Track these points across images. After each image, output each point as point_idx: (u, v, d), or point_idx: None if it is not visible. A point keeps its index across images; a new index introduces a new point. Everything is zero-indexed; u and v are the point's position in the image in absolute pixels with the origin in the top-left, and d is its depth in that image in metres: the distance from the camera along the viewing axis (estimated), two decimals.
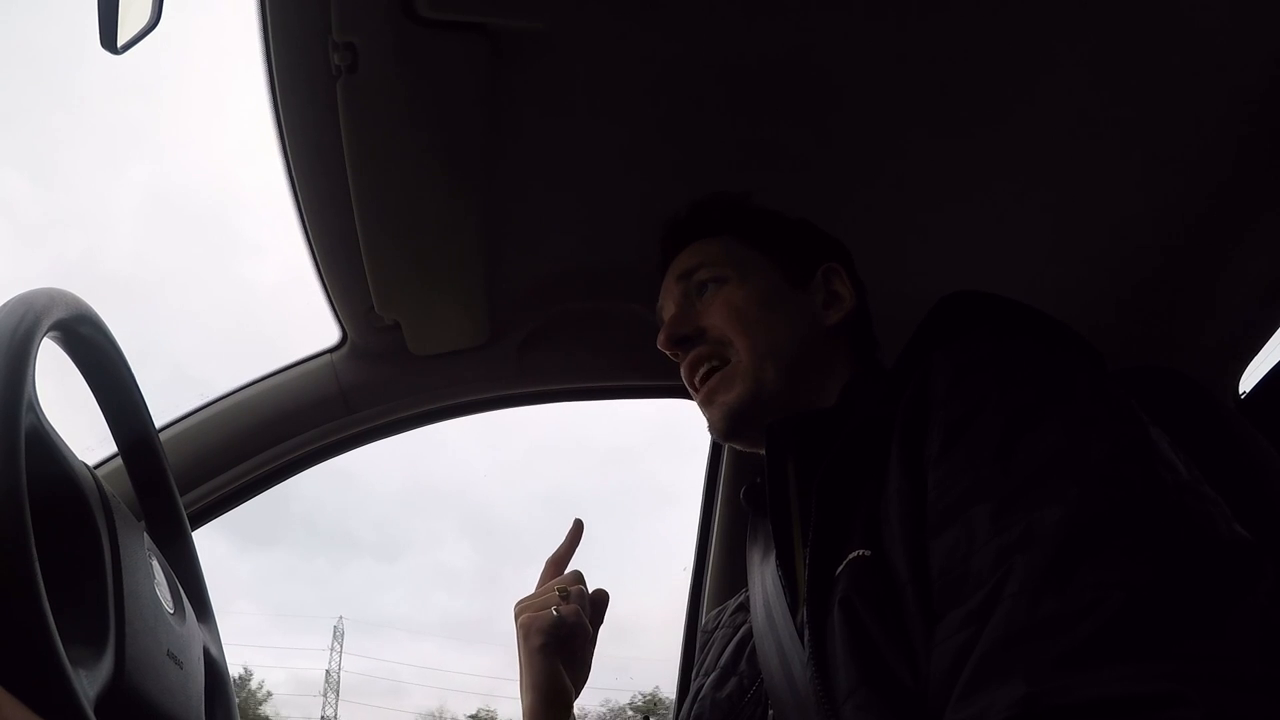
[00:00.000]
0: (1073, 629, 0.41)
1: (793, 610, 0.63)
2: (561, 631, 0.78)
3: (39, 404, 0.46)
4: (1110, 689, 0.39)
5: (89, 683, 0.42)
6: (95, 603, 0.46)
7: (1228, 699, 0.37)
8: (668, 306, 0.84)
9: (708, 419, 0.80)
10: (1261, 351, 1.05)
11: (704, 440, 1.31)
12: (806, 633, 0.56)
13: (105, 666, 0.44)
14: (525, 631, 0.79)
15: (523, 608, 0.82)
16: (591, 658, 0.84)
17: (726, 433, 0.78)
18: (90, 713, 0.39)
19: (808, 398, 0.76)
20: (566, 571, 0.86)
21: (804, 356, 0.77)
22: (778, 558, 0.66)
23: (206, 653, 0.65)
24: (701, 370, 0.79)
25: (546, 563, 0.87)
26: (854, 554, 0.55)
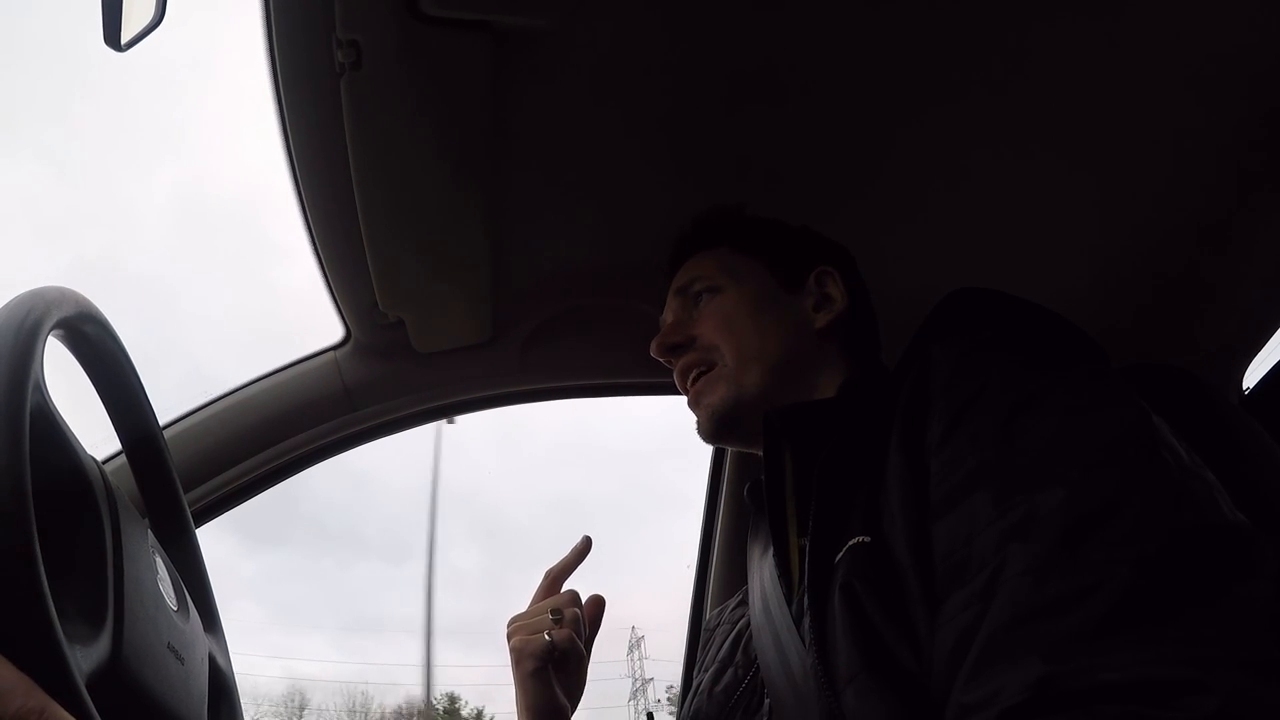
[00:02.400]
0: (1081, 607, 0.41)
1: (788, 599, 0.64)
2: (554, 656, 0.78)
3: (46, 387, 0.46)
4: (1126, 673, 0.38)
5: (83, 658, 0.42)
6: (94, 583, 0.46)
7: (1243, 685, 0.37)
8: (667, 317, 0.87)
9: (696, 420, 0.82)
10: (1266, 347, 1.05)
11: None
12: (807, 619, 0.56)
13: (101, 646, 0.44)
14: (517, 656, 0.79)
15: (515, 628, 0.81)
16: (586, 672, 0.84)
17: (713, 433, 0.80)
18: (82, 686, 0.39)
19: (797, 397, 0.76)
20: (564, 589, 0.84)
21: (790, 359, 0.78)
22: (774, 545, 0.66)
23: (213, 661, 0.65)
24: (691, 376, 0.81)
25: (545, 575, 0.86)
26: (854, 540, 0.56)
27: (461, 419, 1.20)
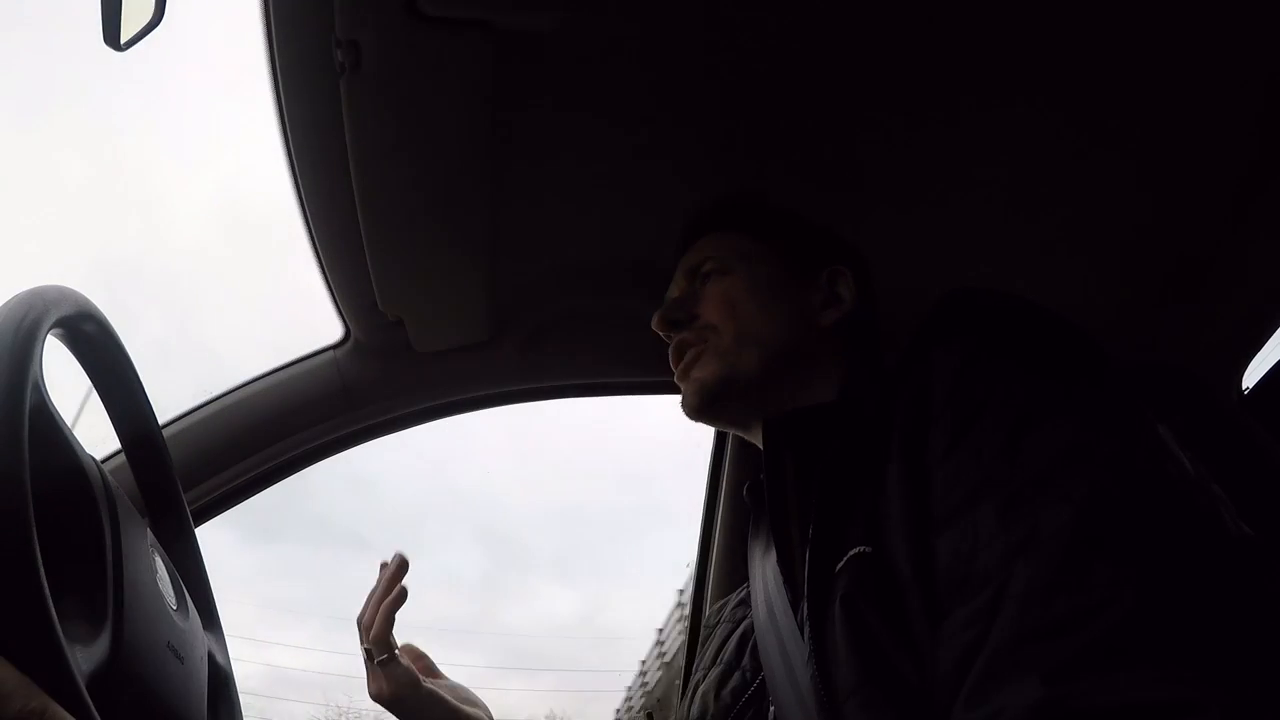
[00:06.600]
0: (1085, 627, 0.41)
1: (793, 606, 0.63)
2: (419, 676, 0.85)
3: (45, 386, 0.46)
4: (1127, 694, 0.38)
5: (83, 659, 0.42)
6: (94, 583, 0.47)
7: (1242, 706, 0.37)
8: (673, 293, 0.86)
9: (682, 394, 0.81)
10: (1266, 347, 1.05)
11: (707, 439, 1.32)
12: (807, 629, 0.56)
13: (101, 646, 0.45)
14: (394, 699, 0.83)
15: (377, 687, 0.84)
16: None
17: (697, 408, 0.79)
18: (82, 687, 0.39)
19: (791, 391, 0.76)
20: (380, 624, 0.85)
21: (788, 350, 0.77)
22: (777, 554, 0.66)
23: (212, 658, 0.66)
24: (686, 356, 0.80)
25: (360, 630, 0.87)
26: (855, 550, 0.55)
27: (466, 418, 1.20)
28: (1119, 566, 0.42)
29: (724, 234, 0.85)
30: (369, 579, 0.90)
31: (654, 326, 0.83)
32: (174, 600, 0.58)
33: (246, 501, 1.09)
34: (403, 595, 0.85)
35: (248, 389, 1.06)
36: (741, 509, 1.23)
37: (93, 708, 0.40)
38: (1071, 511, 0.45)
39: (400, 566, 0.86)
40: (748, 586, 0.78)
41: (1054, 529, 0.45)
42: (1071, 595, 0.42)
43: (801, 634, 0.59)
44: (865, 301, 0.83)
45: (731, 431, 0.85)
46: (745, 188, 0.89)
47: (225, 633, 0.73)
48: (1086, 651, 0.40)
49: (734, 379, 0.76)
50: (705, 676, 0.79)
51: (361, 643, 0.86)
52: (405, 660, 0.85)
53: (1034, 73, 0.80)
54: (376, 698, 0.84)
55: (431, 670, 0.92)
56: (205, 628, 0.67)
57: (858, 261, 0.86)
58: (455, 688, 0.92)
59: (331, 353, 1.08)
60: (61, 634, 0.39)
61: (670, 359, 0.82)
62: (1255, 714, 0.37)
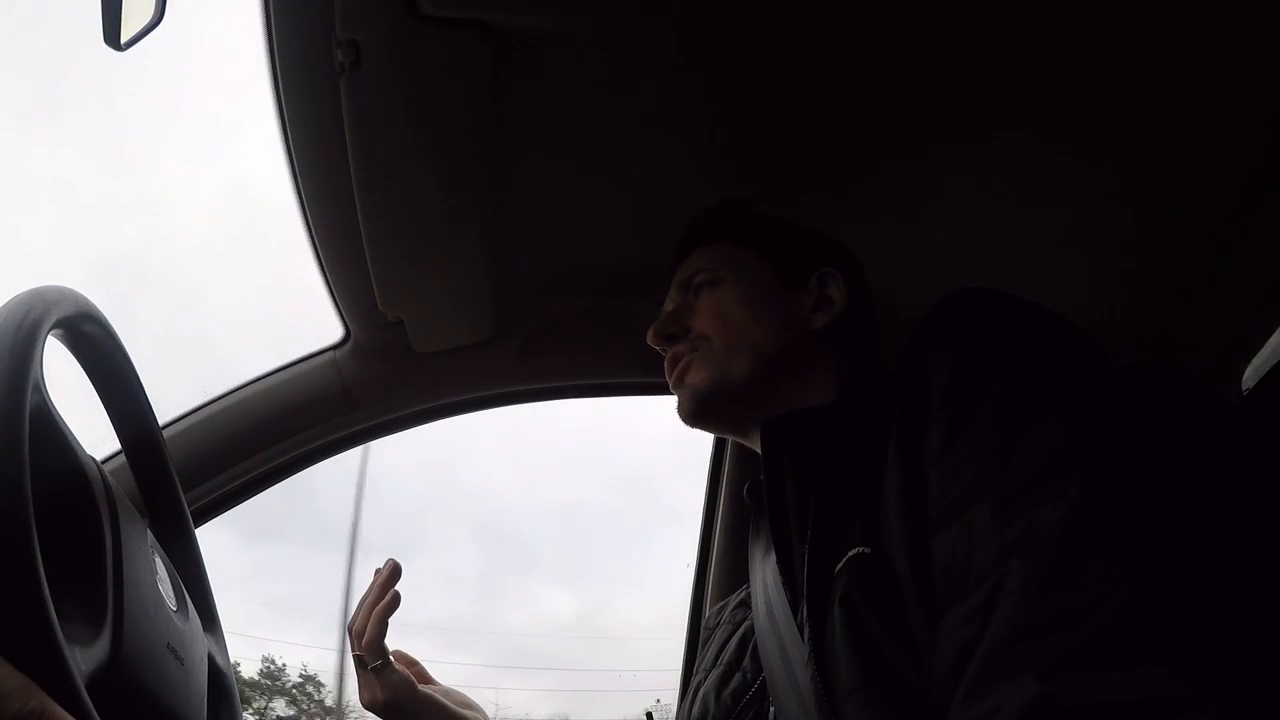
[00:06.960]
0: (1079, 625, 0.41)
1: (793, 607, 0.63)
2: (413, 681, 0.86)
3: (45, 387, 0.46)
4: (1123, 692, 0.38)
5: (83, 659, 0.42)
6: (94, 584, 0.47)
7: (1238, 703, 0.37)
8: (667, 307, 0.87)
9: (677, 401, 0.82)
10: (1265, 347, 1.05)
11: (707, 439, 1.32)
12: (806, 630, 0.56)
13: (101, 647, 0.45)
14: (391, 705, 0.84)
15: (370, 694, 0.85)
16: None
17: (692, 414, 0.80)
18: (81, 687, 0.39)
19: (786, 395, 0.77)
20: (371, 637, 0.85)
21: (780, 354, 0.78)
22: (776, 555, 0.66)
23: (212, 661, 0.65)
24: (679, 365, 0.81)
25: (352, 637, 0.86)
26: (853, 551, 0.55)
27: (466, 418, 1.20)
28: (1113, 564, 0.42)
29: (714, 245, 0.86)
30: (368, 579, 0.89)
31: (649, 341, 0.84)
32: (174, 601, 0.58)
33: (246, 501, 1.09)
34: (396, 600, 0.84)
35: (247, 390, 1.06)
36: (741, 510, 1.23)
37: (92, 708, 0.40)
38: (1066, 509, 0.45)
39: (393, 572, 0.85)
40: (748, 588, 0.78)
41: (1048, 527, 0.45)
42: (1066, 592, 0.42)
43: (801, 635, 0.59)
44: (858, 301, 0.83)
45: (730, 438, 0.85)
46: (736, 195, 0.90)
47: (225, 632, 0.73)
48: (1082, 649, 0.40)
49: (726, 384, 0.77)
50: (706, 678, 0.79)
51: (353, 649, 0.85)
52: (400, 666, 0.86)
53: (1035, 73, 0.80)
54: (370, 705, 0.84)
55: (424, 676, 0.92)
56: (205, 629, 0.67)
57: (849, 262, 0.86)
58: (449, 691, 0.93)
59: (331, 353, 1.08)
60: (61, 634, 0.39)
61: (665, 369, 0.83)
62: (1252, 712, 0.37)
